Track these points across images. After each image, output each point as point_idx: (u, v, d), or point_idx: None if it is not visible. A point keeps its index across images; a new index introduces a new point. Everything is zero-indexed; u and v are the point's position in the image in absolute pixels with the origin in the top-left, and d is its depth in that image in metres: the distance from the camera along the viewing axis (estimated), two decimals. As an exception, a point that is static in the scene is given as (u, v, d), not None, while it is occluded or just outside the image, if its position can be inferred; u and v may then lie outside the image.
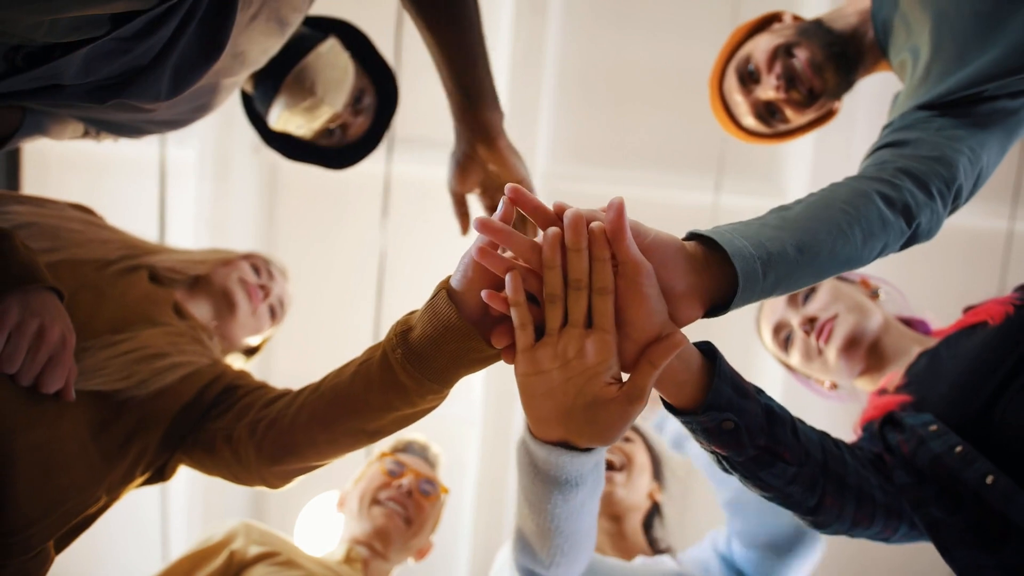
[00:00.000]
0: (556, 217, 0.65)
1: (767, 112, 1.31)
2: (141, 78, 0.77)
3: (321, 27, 1.43)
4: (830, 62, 1.20)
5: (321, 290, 2.18)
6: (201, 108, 1.00)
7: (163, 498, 2.50)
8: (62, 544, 0.92)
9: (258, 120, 1.47)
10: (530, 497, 0.82)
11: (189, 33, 0.76)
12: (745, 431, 0.75)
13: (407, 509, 1.47)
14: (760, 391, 0.79)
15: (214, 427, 0.98)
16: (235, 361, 1.37)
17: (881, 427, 1.01)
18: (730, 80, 1.33)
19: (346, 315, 2.46)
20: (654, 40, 2.52)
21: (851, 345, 1.21)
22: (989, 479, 0.83)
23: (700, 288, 0.68)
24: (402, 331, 0.73)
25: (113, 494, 0.95)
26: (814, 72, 1.21)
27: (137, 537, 2.56)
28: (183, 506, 2.50)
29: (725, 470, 0.83)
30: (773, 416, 0.78)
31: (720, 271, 0.69)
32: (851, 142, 2.14)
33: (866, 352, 1.22)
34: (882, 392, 1.12)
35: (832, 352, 1.23)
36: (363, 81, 1.44)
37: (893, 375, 1.14)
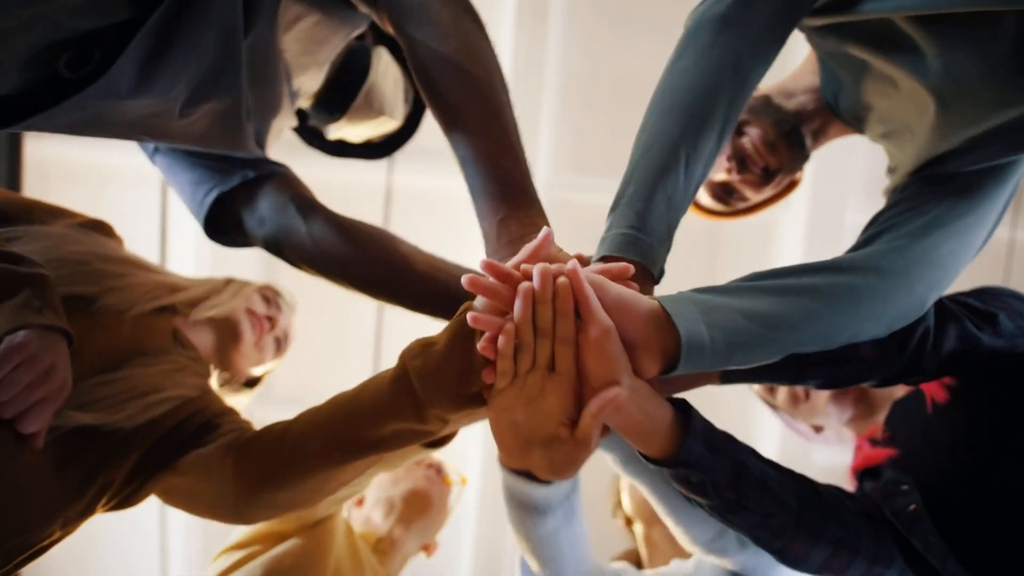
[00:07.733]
0: (525, 278, 0.71)
1: (723, 192, 1.27)
2: (218, 71, 0.82)
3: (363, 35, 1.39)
4: (783, 139, 1.15)
5: (322, 304, 2.17)
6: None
7: (162, 506, 2.48)
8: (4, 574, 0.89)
9: (308, 131, 1.42)
10: (511, 520, 0.97)
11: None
12: (711, 485, 0.80)
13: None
14: (736, 444, 0.83)
15: (191, 455, 0.96)
16: (233, 395, 1.31)
17: (861, 476, 1.04)
18: None
19: (346, 330, 2.45)
20: (657, 47, 2.49)
21: (840, 390, 1.21)
22: (931, 538, 0.90)
23: (657, 344, 0.72)
24: (426, 342, 0.77)
25: (68, 528, 0.92)
26: (767, 150, 1.15)
27: (136, 546, 2.55)
28: (182, 514, 2.49)
29: (694, 504, 0.87)
30: (743, 472, 0.82)
31: (672, 331, 0.72)
32: (850, 146, 2.14)
33: (855, 398, 1.21)
34: (871, 441, 1.10)
35: (820, 397, 1.23)
36: (407, 80, 1.40)
37: (878, 427, 1.13)
